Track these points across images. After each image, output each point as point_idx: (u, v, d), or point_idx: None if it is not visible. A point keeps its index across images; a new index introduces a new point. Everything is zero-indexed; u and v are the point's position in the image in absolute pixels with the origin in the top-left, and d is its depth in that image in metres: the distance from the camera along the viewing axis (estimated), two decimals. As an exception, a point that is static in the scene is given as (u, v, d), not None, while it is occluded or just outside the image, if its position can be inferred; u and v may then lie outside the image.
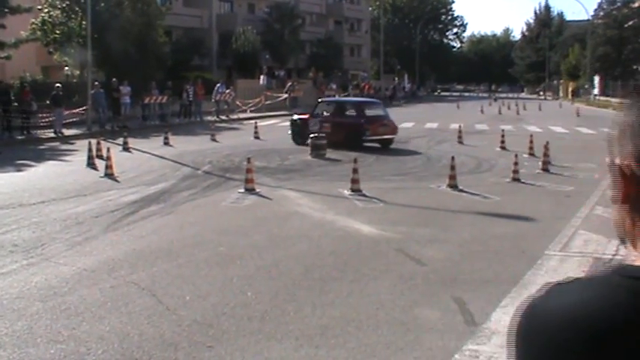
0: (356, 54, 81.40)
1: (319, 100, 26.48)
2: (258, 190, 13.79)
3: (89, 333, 6.08)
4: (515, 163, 15.64)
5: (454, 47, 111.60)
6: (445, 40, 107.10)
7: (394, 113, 42.80)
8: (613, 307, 0.97)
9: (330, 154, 20.09)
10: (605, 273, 1.03)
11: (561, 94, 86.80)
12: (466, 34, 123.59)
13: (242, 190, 13.73)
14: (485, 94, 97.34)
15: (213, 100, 39.35)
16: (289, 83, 50.41)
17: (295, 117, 24.59)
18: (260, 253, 8.93)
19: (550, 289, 1.06)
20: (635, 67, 75.44)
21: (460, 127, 26.43)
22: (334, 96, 54.60)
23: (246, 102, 42.65)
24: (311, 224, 10.81)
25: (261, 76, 47.72)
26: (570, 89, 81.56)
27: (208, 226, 10.70)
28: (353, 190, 13.63)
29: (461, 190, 14.00)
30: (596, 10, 77.33)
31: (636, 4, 72.38)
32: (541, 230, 10.39)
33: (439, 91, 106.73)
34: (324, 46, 68.00)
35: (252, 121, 30.78)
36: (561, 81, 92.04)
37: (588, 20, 77.52)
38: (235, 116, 39.21)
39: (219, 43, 57.44)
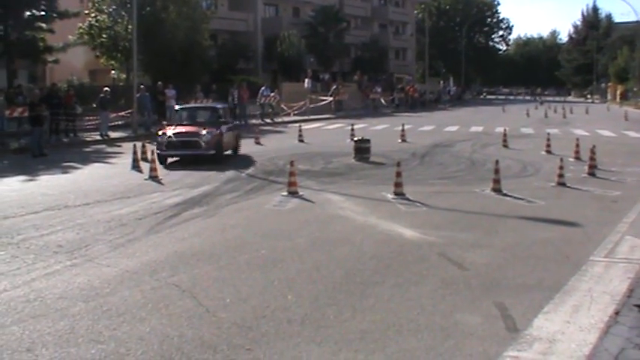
0: (401, 57, 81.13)
1: None
2: (301, 193, 13.80)
3: (129, 334, 6.14)
4: (561, 167, 15.41)
5: (500, 50, 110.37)
6: (491, 43, 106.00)
7: (439, 116, 42.36)
8: None
9: (374, 157, 20.03)
10: None
11: (609, 97, 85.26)
12: (512, 37, 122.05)
13: (285, 194, 13.76)
14: (530, 98, 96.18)
15: (257, 104, 39.62)
16: (334, 86, 50.49)
17: None
18: (301, 257, 8.93)
19: None
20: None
21: (505, 130, 26.16)
22: (379, 98, 54.70)
23: (290, 105, 42.82)
24: (353, 228, 10.77)
25: (306, 80, 47.90)
26: (619, 92, 80.00)
27: (250, 229, 10.73)
28: (396, 194, 13.56)
29: (505, 194, 13.81)
30: (646, 11, 75.45)
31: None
32: (586, 236, 10.19)
33: (485, 94, 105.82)
34: (368, 49, 67.98)
35: (297, 125, 30.89)
36: (609, 84, 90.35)
37: (637, 22, 75.84)
38: (280, 119, 39.41)
39: (265, 46, 57.79)
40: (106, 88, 29.91)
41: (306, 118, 40.47)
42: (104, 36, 38.26)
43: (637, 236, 9.94)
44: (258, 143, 24.95)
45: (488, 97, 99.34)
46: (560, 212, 12.03)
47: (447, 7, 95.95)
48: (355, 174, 17.28)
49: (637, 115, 50.57)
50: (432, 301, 7.07)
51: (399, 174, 13.83)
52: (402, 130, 26.82)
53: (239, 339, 6.01)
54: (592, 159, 17.19)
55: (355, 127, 28.74)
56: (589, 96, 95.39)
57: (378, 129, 33.51)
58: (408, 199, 13.26)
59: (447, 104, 68.69)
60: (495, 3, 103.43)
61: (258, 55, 57.49)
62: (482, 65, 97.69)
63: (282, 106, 41.95)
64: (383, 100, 55.70)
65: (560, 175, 15.29)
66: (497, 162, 14.57)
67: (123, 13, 37.33)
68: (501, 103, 70.67)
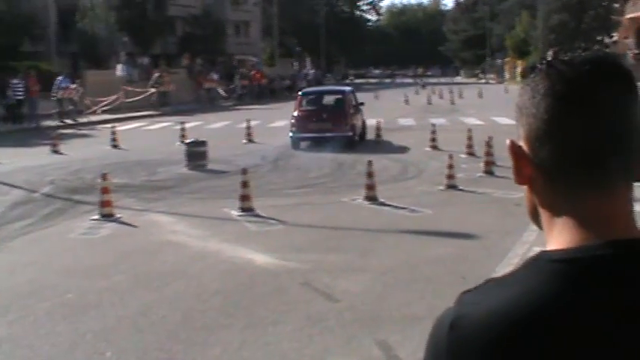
0: (243, 33, 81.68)
1: None
2: (118, 215, 13.59)
3: None
4: (450, 166, 15.97)
5: (369, 21, 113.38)
6: (357, 13, 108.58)
7: (293, 107, 43.15)
8: (552, 296, 1.21)
9: (213, 164, 20.02)
10: (530, 263, 1.29)
11: (507, 75, 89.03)
12: (384, 4, 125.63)
13: (96, 217, 13.50)
14: (410, 80, 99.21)
15: (53, 99, 38.56)
16: (156, 74, 49.99)
17: None
18: (122, 299, 8.79)
19: (466, 295, 1.33)
20: (599, 37, 77.79)
21: (379, 123, 26.78)
22: (216, 87, 54.67)
23: (99, 100, 42.01)
24: (189, 257, 10.72)
25: (118, 66, 47.20)
26: (519, 69, 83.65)
27: (50, 266, 10.46)
28: (243, 210, 13.61)
29: (382, 204, 14.20)
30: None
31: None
32: (486, 249, 10.64)
33: (351, 77, 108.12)
34: (200, 24, 67.88)
35: (109, 125, 30.33)
36: (507, 59, 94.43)
37: (537, -21, 79.70)
38: (85, 119, 38.56)
39: (59, 21, 56.36)
40: None
41: (120, 116, 39.82)
42: None
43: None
44: (56, 151, 24.32)
45: (357, 81, 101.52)
46: (453, 222, 12.50)
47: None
48: (189, 187, 17.22)
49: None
50: (297, 345, 7.15)
51: (245, 184, 13.87)
52: (248, 128, 26.94)
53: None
54: (488, 154, 17.90)
55: (187, 125, 28.56)
56: (482, 75, 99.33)
57: (217, 127, 33.48)
58: (258, 216, 13.35)
59: (304, 92, 69.52)
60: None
61: (51, 33, 55.98)
62: (347, 41, 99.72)
63: (87, 101, 41.09)
64: (221, 90, 55.71)
65: (450, 176, 15.86)
66: (370, 163, 14.88)
67: None
68: (373, 88, 72.33)
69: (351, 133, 24.11)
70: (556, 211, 1.36)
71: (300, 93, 27.80)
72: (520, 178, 1.39)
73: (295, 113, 24.94)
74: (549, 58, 1.40)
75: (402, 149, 23.19)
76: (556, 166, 1.32)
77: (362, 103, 26.91)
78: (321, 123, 24.35)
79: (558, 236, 1.34)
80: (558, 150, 1.31)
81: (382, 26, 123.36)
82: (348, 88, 28.18)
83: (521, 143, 1.37)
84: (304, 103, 25.86)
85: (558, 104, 1.31)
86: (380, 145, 24.13)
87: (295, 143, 24.17)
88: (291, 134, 24.46)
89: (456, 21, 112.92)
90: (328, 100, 26.86)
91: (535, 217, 1.43)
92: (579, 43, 74.11)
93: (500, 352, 1.21)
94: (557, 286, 1.22)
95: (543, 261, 1.28)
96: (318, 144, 23.51)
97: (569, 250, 1.29)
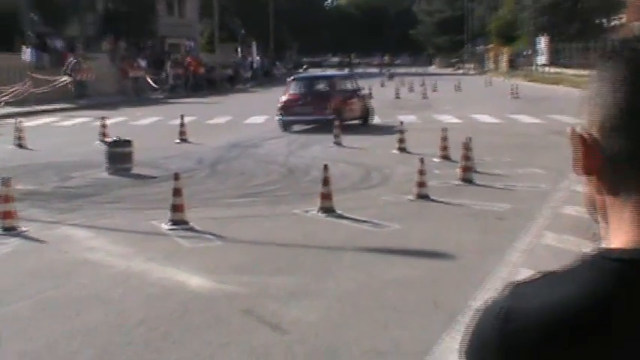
0: (176, 13, 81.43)
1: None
2: (23, 229, 13.43)
3: None
4: (421, 172, 15.95)
5: (326, 1, 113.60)
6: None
7: (237, 103, 43.06)
8: (610, 296, 1.28)
9: (140, 168, 19.88)
10: (588, 260, 1.35)
11: (490, 65, 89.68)
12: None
13: (-4, 231, 13.36)
14: (375, 70, 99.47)
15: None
16: (72, 60, 49.62)
17: None
18: (26, 330, 8.67)
19: (520, 287, 1.38)
20: (598, 20, 78.16)
21: (338, 119, 26.89)
22: (144, 76, 54.41)
23: (0, 89, 41.61)
24: (110, 278, 10.62)
25: (26, 49, 46.62)
26: (504, 58, 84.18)
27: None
28: (175, 223, 13.50)
29: (340, 216, 14.14)
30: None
31: None
32: (462, 271, 10.64)
33: (306, 66, 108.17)
34: (125, 1, 67.44)
35: (12, 120, 30.00)
36: (490, 46, 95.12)
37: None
38: (-16, 113, 38.19)
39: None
40: None
41: (28, 109, 39.54)
42: None
43: (536, 269, 10.35)
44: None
45: (312, 70, 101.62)
46: (424, 239, 12.49)
47: None
48: (110, 195, 17.10)
49: (531, 90, 53.64)
50: (237, 386, 7.08)
51: (178, 192, 13.74)
52: (182, 125, 26.86)
53: None
54: (467, 158, 17.90)
55: (108, 122, 28.38)
56: (460, 65, 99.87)
57: (145, 124, 33.37)
58: (193, 230, 13.25)
59: (248, 84, 69.58)
60: None
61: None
62: (301, 24, 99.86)
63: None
64: (150, 80, 55.50)
65: (421, 184, 15.83)
66: (326, 167, 14.81)
67: None
68: (331, 79, 72.46)
69: (332, 116, 28.32)
70: (621, 207, 1.41)
71: (291, 78, 35.79)
72: (584, 169, 1.46)
73: (283, 97, 31.13)
74: (622, 40, 1.44)
75: (365, 152, 23.21)
76: (630, 158, 1.37)
77: (368, 93, 35.54)
78: (305, 107, 30.46)
79: (621, 233, 1.40)
80: (635, 142, 1.36)
81: (342, 6, 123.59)
82: (341, 73, 38.73)
83: (583, 131, 1.46)
84: (292, 87, 32.46)
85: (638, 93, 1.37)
86: (338, 148, 24.09)
87: (286, 125, 30.12)
88: (278, 117, 30.47)
89: (429, 1, 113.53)
90: (316, 85, 33.60)
91: (593, 211, 1.50)
92: (575, 27, 74.42)
93: (554, 349, 1.28)
94: (616, 286, 1.29)
95: (602, 259, 1.34)
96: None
97: (632, 250, 1.35)
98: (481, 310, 1.40)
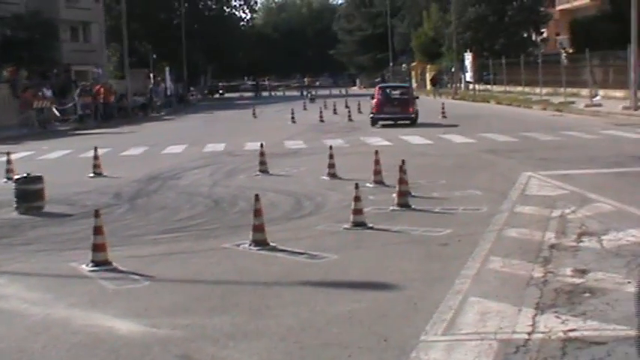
0: (81, 37, 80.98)
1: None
2: None
3: None
4: (357, 198, 15.92)
5: (242, 20, 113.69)
6: (227, 10, 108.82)
7: (153, 132, 42.81)
8: None
9: (53, 205, 19.60)
10: None
11: (414, 83, 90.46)
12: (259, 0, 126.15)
13: None
14: (296, 92, 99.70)
15: None
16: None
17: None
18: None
19: None
20: (525, 34, 79.15)
21: (262, 146, 26.69)
22: (49, 107, 53.88)
23: None
24: (27, 329, 10.35)
25: None
26: (429, 76, 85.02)
27: None
28: (97, 264, 13.26)
29: (274, 249, 14.04)
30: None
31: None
32: (410, 302, 10.59)
33: (221, 91, 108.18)
34: (25, 25, 66.81)
35: None
36: (413, 64, 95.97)
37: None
38: None
39: None
40: None
41: None
42: None
43: (486, 296, 10.50)
44: None
45: (229, 94, 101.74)
46: (365, 269, 12.44)
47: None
48: (22, 236, 16.79)
49: (459, 109, 54.22)
50: None
51: (99, 230, 13.50)
52: (95, 158, 26.55)
53: None
54: (402, 182, 17.93)
55: (13, 157, 28.00)
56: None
57: (53, 158, 32.96)
58: (117, 271, 13.01)
59: (163, 111, 69.30)
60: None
61: None
62: (215, 46, 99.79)
63: None
64: (56, 111, 54.99)
65: (357, 211, 15.79)
66: (256, 197, 14.75)
67: None
68: (251, 103, 72.51)
69: (413, 116, 44.50)
70: None
71: (379, 86, 50.62)
72: None
73: (374, 101, 45.42)
74: None
75: (293, 179, 23.19)
76: None
77: (417, 97, 50.89)
78: (394, 108, 44.91)
79: None
80: None
81: (259, 27, 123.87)
82: (408, 85, 62.44)
83: None
84: (380, 93, 46.19)
85: None
86: (264, 176, 24.03)
87: (374, 122, 44.26)
88: (370, 116, 44.99)
89: (349, 18, 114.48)
90: (397, 92, 49.10)
91: None
92: (501, 42, 75.33)
93: None
94: None
95: None
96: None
97: None
98: None
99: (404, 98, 46.60)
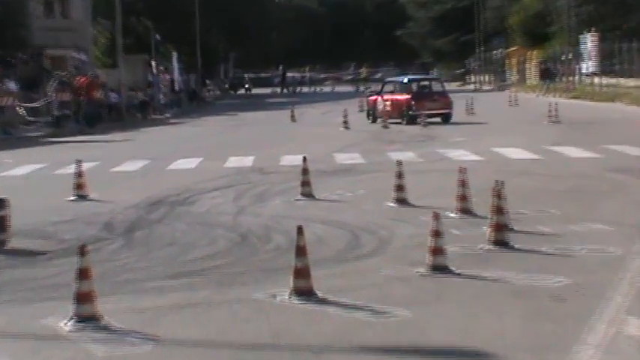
0: (57, 13, 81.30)
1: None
2: None
3: None
4: (436, 233, 15.83)
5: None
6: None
7: (155, 140, 43.42)
8: None
9: (20, 240, 19.63)
10: None
11: (512, 77, 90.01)
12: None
13: None
14: (349, 88, 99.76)
15: None
16: None
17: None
18: None
19: None
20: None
21: (305, 161, 26.60)
22: (13, 105, 54.20)
23: None
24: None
25: None
26: (535, 65, 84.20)
27: None
28: (81, 319, 13.27)
29: (323, 301, 13.97)
30: None
31: None
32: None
33: (247, 85, 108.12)
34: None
35: None
36: (511, 49, 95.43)
37: None
38: None
39: None
40: None
41: None
42: None
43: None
44: None
45: (257, 90, 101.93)
46: (448, 331, 12.32)
47: None
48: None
49: (574, 108, 53.85)
50: None
51: (85, 273, 13.47)
52: (78, 175, 26.58)
53: None
54: (498, 211, 17.72)
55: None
56: (469, 77, 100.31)
57: (21, 175, 33.30)
58: (109, 329, 12.99)
59: (168, 112, 69.53)
60: None
61: None
62: (240, 26, 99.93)
63: None
64: (24, 110, 55.34)
65: (437, 251, 15.62)
66: (299, 230, 14.64)
67: None
68: (288, 102, 72.66)
69: (449, 110, 54.44)
70: None
71: (405, 80, 59.47)
72: None
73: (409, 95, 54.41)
74: None
75: (347, 205, 23.19)
76: None
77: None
78: (433, 103, 53.90)
79: None
80: None
81: (298, 4, 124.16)
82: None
83: None
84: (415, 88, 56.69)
85: None
86: (308, 201, 23.97)
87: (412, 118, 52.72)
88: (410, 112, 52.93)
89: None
90: (434, 85, 59.33)
91: None
92: (635, 19, 74.32)
93: None
94: None
95: None
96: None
97: None
98: None
99: (443, 92, 56.89)
